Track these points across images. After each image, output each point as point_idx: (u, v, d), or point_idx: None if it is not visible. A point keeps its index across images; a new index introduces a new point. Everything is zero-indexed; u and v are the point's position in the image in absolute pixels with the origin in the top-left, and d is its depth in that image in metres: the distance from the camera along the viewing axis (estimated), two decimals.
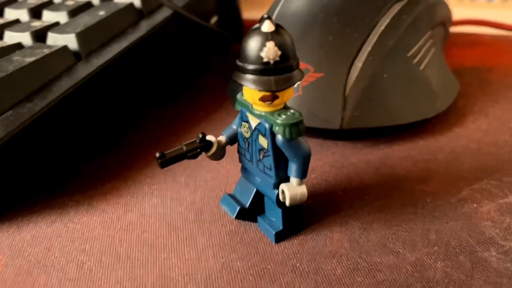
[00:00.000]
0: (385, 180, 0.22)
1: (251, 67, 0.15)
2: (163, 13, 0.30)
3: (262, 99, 0.16)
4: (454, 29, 0.37)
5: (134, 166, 0.23)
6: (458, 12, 0.37)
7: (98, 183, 0.22)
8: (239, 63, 0.16)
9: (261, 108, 0.17)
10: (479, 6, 0.44)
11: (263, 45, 0.15)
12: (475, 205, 0.20)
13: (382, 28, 0.24)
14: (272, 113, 0.16)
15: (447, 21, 0.31)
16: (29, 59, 0.23)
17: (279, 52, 0.15)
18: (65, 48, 0.24)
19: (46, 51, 0.24)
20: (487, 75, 0.31)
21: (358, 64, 0.23)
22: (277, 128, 0.16)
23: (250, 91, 0.16)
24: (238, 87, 0.27)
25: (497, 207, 0.19)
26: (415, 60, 0.25)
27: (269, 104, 0.16)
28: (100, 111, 0.25)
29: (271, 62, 0.15)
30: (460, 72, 0.31)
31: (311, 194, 0.21)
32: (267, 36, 0.15)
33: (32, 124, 0.21)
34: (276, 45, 0.15)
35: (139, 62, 0.27)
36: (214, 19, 0.35)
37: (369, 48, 0.23)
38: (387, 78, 0.24)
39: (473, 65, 0.33)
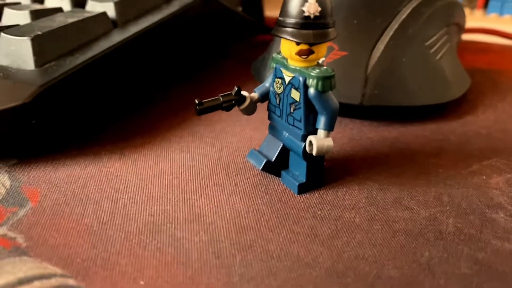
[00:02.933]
0: (400, 153, 0.23)
1: (292, 20, 0.17)
2: None
3: (299, 53, 0.18)
4: (465, 37, 0.40)
5: (162, 126, 0.25)
6: (469, 25, 0.39)
7: (128, 137, 0.24)
8: (280, 18, 0.18)
9: (297, 63, 0.18)
10: (490, 20, 0.46)
11: (305, 1, 0.17)
12: (484, 177, 0.21)
13: (404, 17, 0.26)
14: (306, 67, 0.18)
15: (461, 24, 0.33)
16: (71, 20, 0.25)
17: (319, 8, 0.17)
18: (104, 14, 0.26)
19: (87, 14, 0.26)
20: (497, 76, 0.33)
21: (381, 46, 0.25)
22: (311, 80, 0.18)
23: (288, 45, 0.18)
24: (262, 66, 0.29)
25: (505, 180, 0.21)
26: (432, 50, 0.27)
27: (305, 58, 0.18)
28: (132, 75, 0.27)
29: (312, 16, 0.17)
30: (471, 73, 0.33)
31: (332, 159, 0.22)
32: None
33: (72, 75, 0.22)
34: (317, 1, 0.17)
35: (168, 37, 0.29)
36: (239, 8, 0.37)
37: (391, 33, 0.25)
38: (406, 62, 0.25)
39: (484, 68, 0.35)
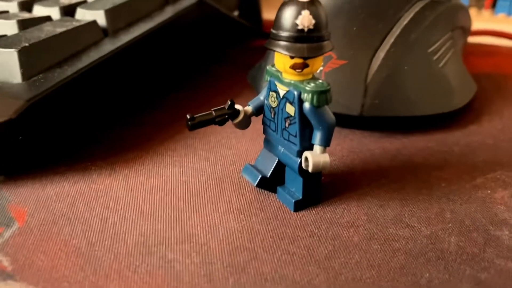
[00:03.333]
0: (401, 167, 0.23)
1: (285, 34, 0.17)
2: (188, 0, 0.32)
3: (293, 66, 0.18)
4: (472, 40, 0.40)
5: (155, 139, 0.25)
6: (477, 25, 0.39)
7: (119, 151, 0.24)
8: (274, 31, 0.18)
9: (291, 77, 0.18)
10: (498, 21, 0.46)
11: (298, 13, 0.17)
12: (489, 191, 0.21)
13: (405, 22, 0.26)
14: (301, 81, 0.18)
15: (467, 28, 0.33)
16: (60, 29, 0.25)
17: (313, 21, 0.17)
18: (94, 22, 0.26)
19: (76, 24, 0.26)
20: (504, 81, 0.33)
21: (381, 54, 0.25)
22: (305, 95, 0.18)
23: (282, 59, 0.18)
24: (258, 74, 0.29)
25: (510, 194, 0.21)
26: (435, 57, 0.27)
27: (299, 72, 0.18)
28: (124, 85, 0.27)
29: (305, 29, 0.17)
30: (477, 78, 0.32)
31: (330, 174, 0.22)
32: (303, 5, 0.17)
33: (61, 88, 0.22)
34: (311, 14, 0.17)
35: (161, 44, 0.29)
36: (235, 13, 0.37)
37: (392, 40, 0.25)
38: (408, 70, 0.25)
39: (490, 72, 0.35)
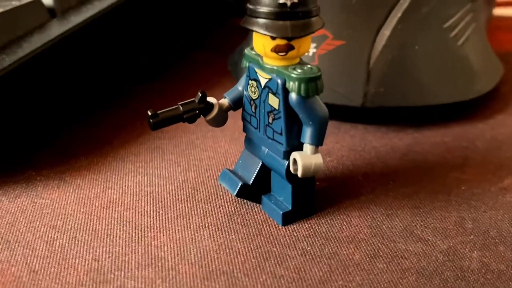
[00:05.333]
0: (413, 167, 0.23)
1: (264, 9, 0.17)
2: None
3: (275, 49, 0.17)
4: (498, 12, 0.39)
5: (114, 142, 0.25)
6: None
7: (71, 157, 0.23)
8: (250, 6, 0.17)
9: (274, 62, 0.18)
10: None
11: None
12: None
13: None
14: (286, 67, 0.18)
15: None
16: None
17: None
18: (37, 1, 0.26)
19: (16, 3, 0.25)
20: None
21: (386, 32, 0.25)
22: (291, 83, 0.17)
23: (262, 40, 0.18)
24: (240, 60, 0.29)
25: None
26: (453, 34, 0.26)
27: (283, 56, 0.18)
28: (77, 77, 0.26)
29: (288, 4, 0.17)
30: (505, 58, 0.32)
31: (326, 177, 0.22)
32: None
33: None
34: None
35: (124, 25, 0.29)
36: None
37: (399, 15, 0.25)
38: (419, 51, 0.25)
39: None
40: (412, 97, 0.25)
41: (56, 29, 0.25)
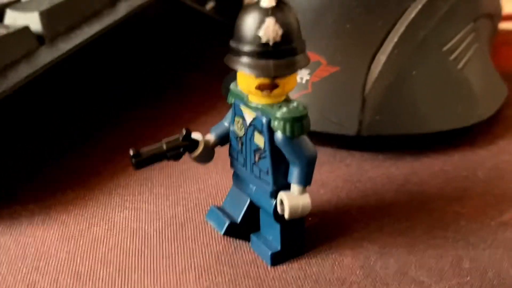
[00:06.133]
0: (410, 199, 0.22)
1: (246, 48, 0.16)
2: None
3: (260, 87, 0.17)
4: (505, 26, 0.39)
5: (103, 173, 0.24)
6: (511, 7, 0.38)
7: (58, 191, 0.23)
8: (233, 44, 0.17)
9: (258, 100, 0.18)
10: None
11: (261, 22, 0.16)
12: None
13: (412, 15, 0.25)
14: (271, 105, 0.17)
15: (496, 13, 0.32)
16: None
17: (280, 31, 0.16)
18: (25, 29, 0.25)
19: (2, 31, 0.25)
20: None
21: (382, 57, 0.24)
22: (276, 123, 0.17)
23: (246, 78, 0.17)
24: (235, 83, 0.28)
25: None
26: (452, 57, 0.26)
27: (268, 94, 0.17)
28: (65, 106, 0.26)
29: (271, 43, 0.16)
30: (509, 77, 0.32)
31: (318, 212, 0.22)
32: (267, 12, 0.16)
33: None
34: (277, 22, 0.16)
35: (115, 51, 0.29)
36: (210, 5, 0.37)
37: (396, 39, 0.25)
38: (417, 76, 0.25)
39: None
40: (409, 125, 0.24)
41: (43, 57, 0.25)
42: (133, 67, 0.31)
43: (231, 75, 0.30)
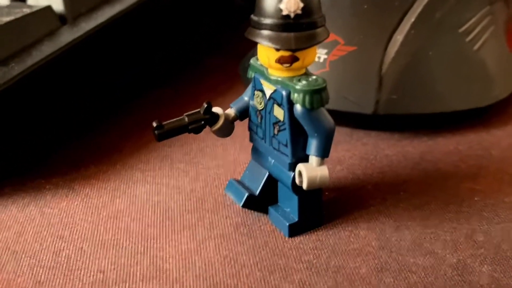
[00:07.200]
0: (425, 176, 0.23)
1: (268, 21, 0.17)
2: None
3: (280, 60, 0.17)
4: None
5: (124, 149, 0.25)
6: None
7: (81, 165, 0.24)
8: (254, 17, 0.17)
9: (278, 73, 0.18)
10: None
11: None
12: None
13: None
14: (290, 78, 0.18)
15: None
16: (6, 19, 0.25)
17: (301, 4, 0.17)
18: (48, 8, 0.26)
19: (26, 10, 0.26)
20: None
21: (398, 37, 0.25)
22: (295, 95, 0.18)
23: (266, 51, 0.18)
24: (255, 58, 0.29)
25: None
26: (469, 38, 0.26)
27: (288, 67, 0.18)
28: (87, 84, 0.27)
29: (292, 15, 0.17)
30: None
31: (336, 187, 0.22)
32: None
33: (7, 91, 0.22)
34: None
35: (135, 31, 0.29)
36: None
37: (412, 20, 0.25)
38: (433, 56, 0.25)
39: None
40: (425, 104, 0.25)
41: (65, 36, 0.26)
42: (153, 49, 0.31)
43: (248, 57, 0.30)
